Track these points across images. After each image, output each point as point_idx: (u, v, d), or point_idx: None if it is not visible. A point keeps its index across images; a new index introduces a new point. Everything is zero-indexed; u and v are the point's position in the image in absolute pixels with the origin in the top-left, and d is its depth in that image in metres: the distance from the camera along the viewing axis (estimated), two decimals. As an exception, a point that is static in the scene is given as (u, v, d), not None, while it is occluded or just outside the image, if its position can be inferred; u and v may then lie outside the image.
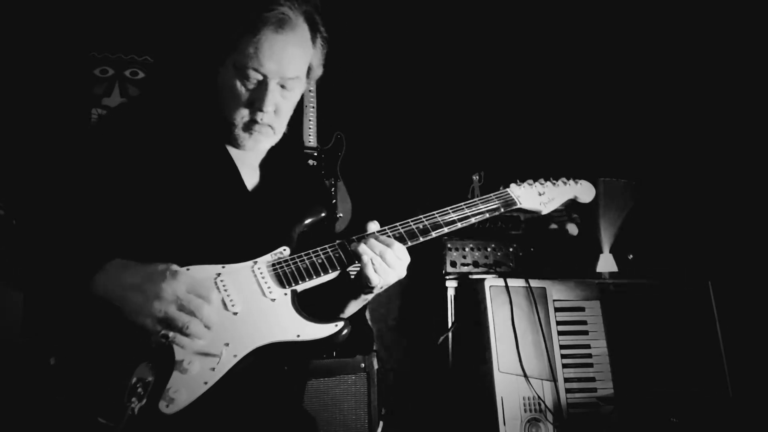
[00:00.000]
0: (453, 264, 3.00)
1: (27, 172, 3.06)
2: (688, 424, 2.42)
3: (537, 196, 1.90)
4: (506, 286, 2.78)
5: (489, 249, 3.03)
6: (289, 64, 1.60)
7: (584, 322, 2.83)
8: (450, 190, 3.47)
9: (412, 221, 1.67)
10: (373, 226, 1.64)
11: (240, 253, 1.56)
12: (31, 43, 3.29)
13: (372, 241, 1.58)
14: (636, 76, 3.49)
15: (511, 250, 3.04)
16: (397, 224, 1.66)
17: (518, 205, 1.86)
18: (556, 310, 2.81)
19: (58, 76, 3.33)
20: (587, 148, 3.50)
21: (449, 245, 3.00)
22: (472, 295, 2.89)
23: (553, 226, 3.22)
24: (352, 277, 1.67)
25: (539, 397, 2.64)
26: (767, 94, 2.99)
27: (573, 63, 3.68)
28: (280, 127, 1.69)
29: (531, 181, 1.91)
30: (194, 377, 1.41)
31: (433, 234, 1.68)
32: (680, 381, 2.73)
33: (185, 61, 3.41)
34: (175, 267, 1.44)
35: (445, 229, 1.70)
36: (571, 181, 1.99)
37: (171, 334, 1.39)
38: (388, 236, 1.62)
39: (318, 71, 1.72)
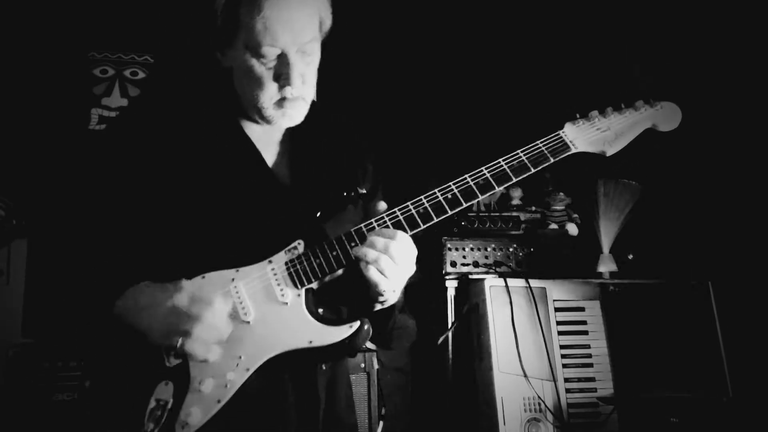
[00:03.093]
0: (453, 264, 3.00)
1: (31, 170, 3.07)
2: (688, 425, 2.42)
3: (599, 134, 1.54)
4: (506, 286, 2.78)
5: (489, 249, 3.03)
6: (303, 29, 1.47)
7: (584, 322, 2.83)
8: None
9: (411, 204, 1.45)
10: (382, 207, 1.46)
11: (260, 246, 1.46)
12: (31, 43, 3.29)
13: (371, 238, 1.41)
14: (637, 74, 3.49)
15: (511, 250, 3.04)
16: (409, 204, 1.45)
17: (572, 150, 1.52)
18: (556, 310, 2.81)
19: (58, 77, 3.32)
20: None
21: (449, 245, 3.00)
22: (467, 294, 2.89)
23: (553, 226, 3.22)
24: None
25: (539, 397, 2.64)
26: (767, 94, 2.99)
27: (573, 62, 3.68)
28: (310, 94, 1.57)
29: (595, 113, 1.56)
30: (208, 396, 1.37)
31: (450, 212, 1.44)
32: (680, 381, 2.73)
33: (186, 53, 3.39)
34: (182, 282, 1.39)
35: (463, 204, 1.45)
36: (644, 107, 1.59)
37: (180, 341, 1.35)
38: (387, 225, 1.43)
39: (328, 22, 1.57)
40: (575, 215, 3.26)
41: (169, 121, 1.57)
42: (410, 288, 1.58)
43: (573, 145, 1.52)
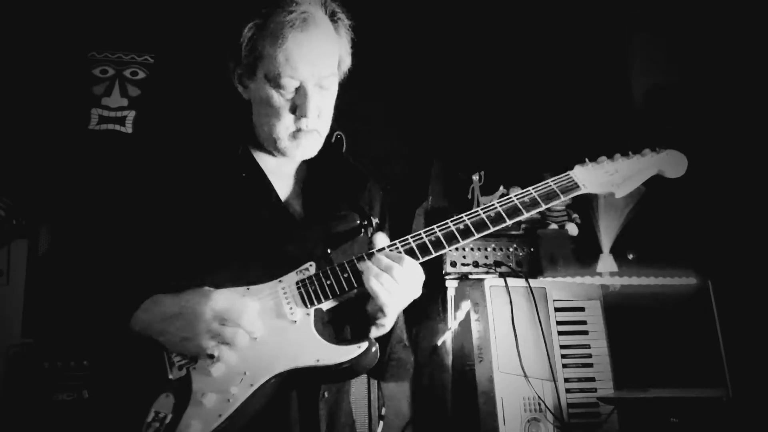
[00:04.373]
0: (453, 264, 3.00)
1: (31, 170, 3.07)
2: (688, 424, 2.42)
3: (607, 177, 1.60)
4: (506, 286, 2.78)
5: (489, 249, 3.03)
6: (323, 63, 1.54)
7: (584, 322, 2.83)
8: (449, 191, 3.47)
9: (424, 233, 1.50)
10: (381, 239, 1.51)
11: (271, 270, 1.49)
12: (31, 43, 3.29)
13: (377, 256, 1.46)
14: (637, 75, 3.49)
15: (511, 250, 3.04)
16: (408, 237, 1.50)
17: (582, 190, 1.58)
18: (556, 310, 2.81)
19: (58, 77, 3.32)
20: (589, 148, 3.49)
21: (449, 245, 3.00)
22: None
23: (553, 226, 3.22)
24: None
25: (539, 397, 2.63)
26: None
27: (572, 61, 3.68)
28: (325, 129, 1.62)
29: (603, 158, 1.62)
30: (209, 410, 1.36)
31: (448, 247, 1.50)
32: (680, 381, 2.73)
33: (195, 60, 3.39)
34: (208, 288, 1.42)
35: (470, 237, 1.50)
36: (651, 153, 1.65)
37: (217, 352, 1.36)
38: (399, 251, 1.48)
39: (347, 60, 1.63)
40: (575, 215, 3.26)
41: (184, 149, 1.62)
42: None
43: (583, 185, 1.58)
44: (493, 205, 1.53)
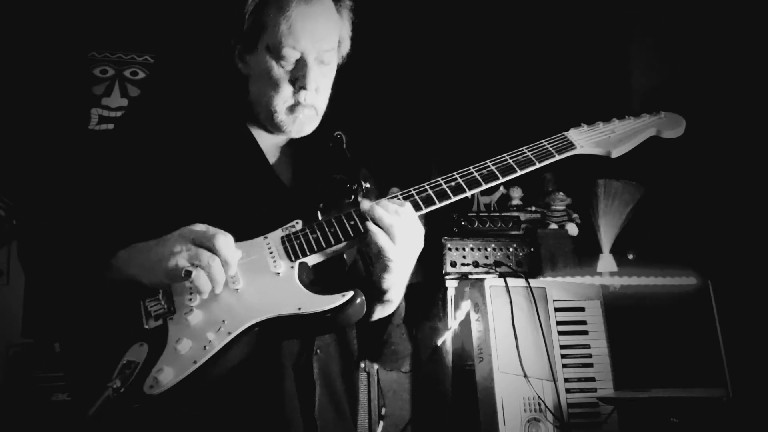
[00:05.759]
0: (453, 264, 3.00)
1: (31, 170, 3.07)
2: (688, 424, 2.42)
3: (603, 136, 1.61)
4: (506, 286, 2.78)
5: (489, 249, 3.03)
6: (324, 37, 1.54)
7: (584, 322, 2.83)
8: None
9: (414, 190, 1.49)
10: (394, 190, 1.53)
11: (257, 229, 1.47)
12: (31, 43, 3.29)
13: (386, 202, 1.44)
14: (637, 78, 3.49)
15: (511, 250, 3.04)
16: (412, 190, 1.49)
17: (578, 149, 1.58)
18: (556, 310, 2.81)
19: (58, 77, 3.32)
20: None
21: (449, 245, 3.00)
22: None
23: (553, 226, 3.22)
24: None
25: (539, 397, 2.63)
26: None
27: (572, 65, 3.68)
28: (322, 107, 1.61)
29: (599, 122, 1.63)
30: (184, 356, 1.32)
31: (453, 197, 1.47)
32: (680, 381, 2.73)
33: (194, 56, 3.39)
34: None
35: (475, 189, 1.49)
36: (647, 116, 1.66)
37: (194, 272, 1.32)
38: (413, 198, 1.47)
39: (346, 44, 1.63)
40: (575, 215, 3.26)
41: (178, 118, 1.61)
42: (409, 288, 1.58)
43: (579, 145, 1.58)
44: (486, 164, 1.52)
